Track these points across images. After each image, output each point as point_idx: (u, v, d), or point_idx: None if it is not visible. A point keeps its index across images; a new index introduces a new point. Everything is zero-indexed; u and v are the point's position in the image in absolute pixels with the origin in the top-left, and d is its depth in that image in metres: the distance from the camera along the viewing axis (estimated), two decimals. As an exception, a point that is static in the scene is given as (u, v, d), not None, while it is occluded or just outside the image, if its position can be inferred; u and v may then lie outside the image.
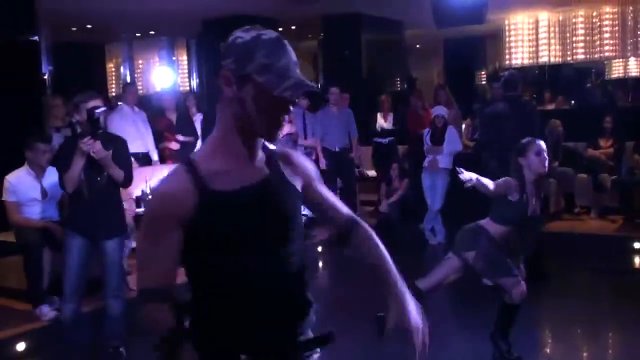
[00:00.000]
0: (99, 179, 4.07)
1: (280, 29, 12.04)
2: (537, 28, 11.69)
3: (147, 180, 6.17)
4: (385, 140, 9.20)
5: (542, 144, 4.05)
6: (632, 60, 12.82)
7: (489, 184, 3.97)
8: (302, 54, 15.43)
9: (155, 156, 7.67)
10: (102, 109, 4.02)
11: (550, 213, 8.08)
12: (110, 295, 4.23)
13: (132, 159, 7.33)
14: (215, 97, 10.99)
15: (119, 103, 8.02)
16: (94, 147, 3.93)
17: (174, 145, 7.98)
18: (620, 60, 12.67)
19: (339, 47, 11.88)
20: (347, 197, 8.34)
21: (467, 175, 3.92)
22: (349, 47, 11.72)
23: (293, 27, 12.83)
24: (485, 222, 4.08)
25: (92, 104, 3.97)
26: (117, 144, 4.14)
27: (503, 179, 4.04)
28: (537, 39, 11.67)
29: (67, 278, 4.14)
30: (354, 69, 11.62)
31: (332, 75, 11.71)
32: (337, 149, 8.44)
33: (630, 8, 10.89)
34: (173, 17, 10.81)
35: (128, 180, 4.22)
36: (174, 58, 14.34)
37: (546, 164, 4.03)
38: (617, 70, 13.45)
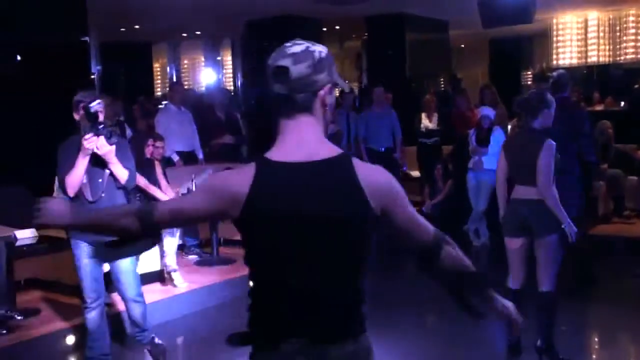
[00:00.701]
0: (100, 180, 3.84)
1: (325, 29, 12.06)
2: (586, 27, 11.47)
3: (193, 179, 6.24)
4: (429, 141, 9.12)
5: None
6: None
7: None
8: (346, 53, 15.45)
9: (200, 155, 7.76)
10: (98, 102, 3.78)
11: (598, 216, 7.91)
12: (130, 300, 4.11)
13: (178, 157, 7.52)
14: (258, 96, 11.05)
15: (164, 102, 8.15)
16: (97, 142, 3.70)
17: (227, 139, 8.03)
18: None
19: (383, 47, 11.84)
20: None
21: None
22: (392, 47, 11.67)
23: (337, 27, 12.85)
24: None
25: (89, 100, 3.77)
26: (118, 140, 3.85)
27: None
28: (586, 39, 11.45)
29: (84, 288, 3.95)
30: (398, 69, 11.57)
31: (376, 75, 11.68)
32: (382, 150, 8.44)
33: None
34: (218, 17, 10.93)
35: (132, 180, 3.94)
36: (218, 58, 14.49)
37: None
38: (668, 71, 13.10)
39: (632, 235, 7.40)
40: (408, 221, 1.81)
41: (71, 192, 3.79)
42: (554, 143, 4.01)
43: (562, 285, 4.24)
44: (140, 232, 1.79)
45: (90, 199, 3.84)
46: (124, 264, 4.00)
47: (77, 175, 3.76)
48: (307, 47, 1.77)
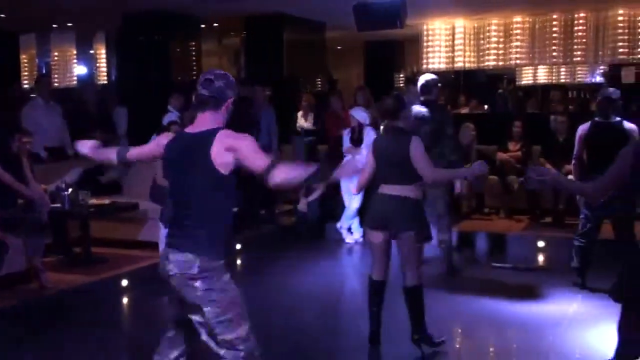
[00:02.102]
0: None
1: (203, 26, 11.97)
2: (453, 34, 12.08)
3: (62, 176, 6.04)
4: (305, 140, 9.31)
5: None
6: (540, 68, 13.44)
7: None
8: (225, 51, 15.38)
9: (70, 151, 7.51)
10: None
11: (462, 213, 8.42)
12: None
13: (46, 153, 7.22)
14: (135, 92, 10.80)
15: (32, 95, 7.81)
16: None
17: (98, 136, 7.81)
18: (530, 67, 13.26)
19: (261, 46, 11.91)
20: (267, 197, 8.42)
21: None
22: (270, 46, 11.77)
23: (215, 25, 12.78)
24: None
25: None
26: None
27: None
28: (453, 45, 12.05)
29: None
30: (276, 68, 11.69)
31: (254, 74, 11.74)
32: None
33: (541, 18, 11.42)
34: (92, 10, 10.57)
35: None
36: (91, 51, 14.00)
37: None
38: (526, 77, 14.07)
39: (491, 230, 7.93)
40: (251, 161, 2.83)
41: None
42: (419, 137, 4.28)
43: (428, 276, 4.53)
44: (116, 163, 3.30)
45: None
46: None
47: None
48: (225, 74, 3.00)
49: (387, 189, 4.32)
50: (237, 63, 14.90)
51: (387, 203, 4.29)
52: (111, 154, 3.27)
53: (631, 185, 2.98)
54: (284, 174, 2.80)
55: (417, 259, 4.36)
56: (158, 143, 3.13)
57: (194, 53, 11.41)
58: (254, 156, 2.83)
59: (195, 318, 2.94)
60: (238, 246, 7.45)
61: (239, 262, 7.29)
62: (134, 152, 3.26)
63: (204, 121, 2.95)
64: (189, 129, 3.03)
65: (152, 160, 3.30)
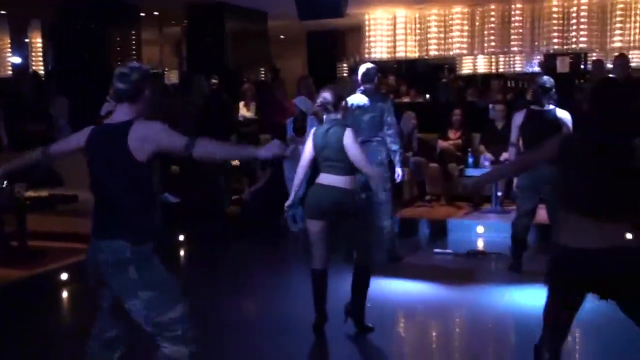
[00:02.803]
0: None
1: (143, 14, 11.76)
2: (395, 24, 12.20)
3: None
4: (247, 129, 9.28)
5: None
6: (480, 58, 13.71)
7: None
8: (166, 40, 15.17)
9: (5, 140, 7.31)
10: None
11: (404, 200, 8.55)
12: None
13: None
14: (73, 82, 10.53)
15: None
16: None
17: (33, 126, 7.63)
18: (470, 57, 13.51)
19: (203, 35, 11.79)
20: (209, 186, 8.37)
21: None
22: (212, 36, 11.66)
23: (156, 13, 12.58)
24: None
25: None
26: None
27: None
28: (394, 35, 12.17)
29: None
30: (218, 58, 11.59)
31: (196, 64, 11.62)
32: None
33: (479, 9, 11.64)
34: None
35: None
36: (26, 40, 13.58)
37: None
38: (467, 67, 14.33)
39: (432, 217, 8.08)
40: (168, 143, 2.99)
41: None
42: (351, 128, 4.39)
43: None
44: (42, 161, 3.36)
45: None
46: None
47: None
48: (140, 66, 3.12)
49: (324, 179, 4.40)
50: (178, 53, 14.71)
51: (326, 193, 4.37)
52: (34, 154, 3.34)
53: (558, 173, 3.10)
54: (207, 148, 3.01)
55: (366, 243, 4.50)
56: (80, 136, 3.21)
57: (133, 42, 11.21)
58: (170, 138, 2.99)
59: (129, 304, 2.98)
60: (181, 237, 7.40)
61: (183, 253, 7.25)
62: (57, 147, 3.36)
63: (122, 113, 3.08)
64: (107, 121, 3.21)
65: (77, 153, 3.26)
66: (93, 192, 3.15)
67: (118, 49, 10.82)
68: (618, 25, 10.88)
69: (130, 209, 3.02)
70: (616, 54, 9.22)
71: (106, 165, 3.06)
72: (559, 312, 3.02)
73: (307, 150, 4.55)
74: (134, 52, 11.14)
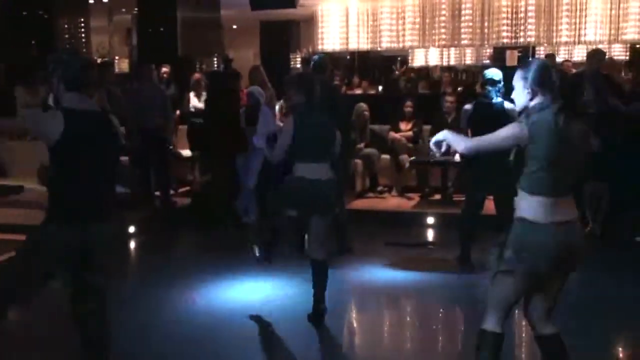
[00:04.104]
0: None
1: (92, 1, 11.55)
2: (347, 16, 12.22)
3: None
4: (199, 120, 9.18)
5: None
6: (432, 50, 13.86)
7: None
8: (116, 27, 14.92)
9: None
10: None
11: (356, 192, 8.61)
12: None
13: None
14: (20, 70, 10.18)
15: None
16: None
17: None
18: (422, 49, 13.64)
19: (154, 23, 11.63)
20: (160, 177, 8.28)
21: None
22: (164, 24, 11.51)
23: (105, 0, 12.36)
24: None
25: None
26: None
27: None
28: (347, 26, 12.19)
29: None
30: (170, 47, 11.45)
31: (147, 52, 11.45)
32: (151, 128, 8.28)
33: (429, 1, 11.74)
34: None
35: None
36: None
37: None
38: (419, 59, 14.48)
39: (384, 208, 8.16)
40: None
41: None
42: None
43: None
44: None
45: None
46: None
47: None
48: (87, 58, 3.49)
49: (303, 170, 4.55)
50: (129, 41, 14.48)
51: (304, 184, 4.53)
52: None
53: (514, 163, 3.20)
54: None
55: (326, 237, 4.70)
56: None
57: (82, 30, 10.99)
58: None
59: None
60: (132, 228, 7.31)
61: (133, 244, 7.16)
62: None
63: (75, 100, 3.30)
64: (69, 107, 3.33)
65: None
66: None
67: (66, 36, 10.60)
68: (565, 20, 11.13)
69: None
70: (563, 48, 9.40)
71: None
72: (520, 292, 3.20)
73: (285, 139, 4.66)
74: (83, 40, 10.93)
